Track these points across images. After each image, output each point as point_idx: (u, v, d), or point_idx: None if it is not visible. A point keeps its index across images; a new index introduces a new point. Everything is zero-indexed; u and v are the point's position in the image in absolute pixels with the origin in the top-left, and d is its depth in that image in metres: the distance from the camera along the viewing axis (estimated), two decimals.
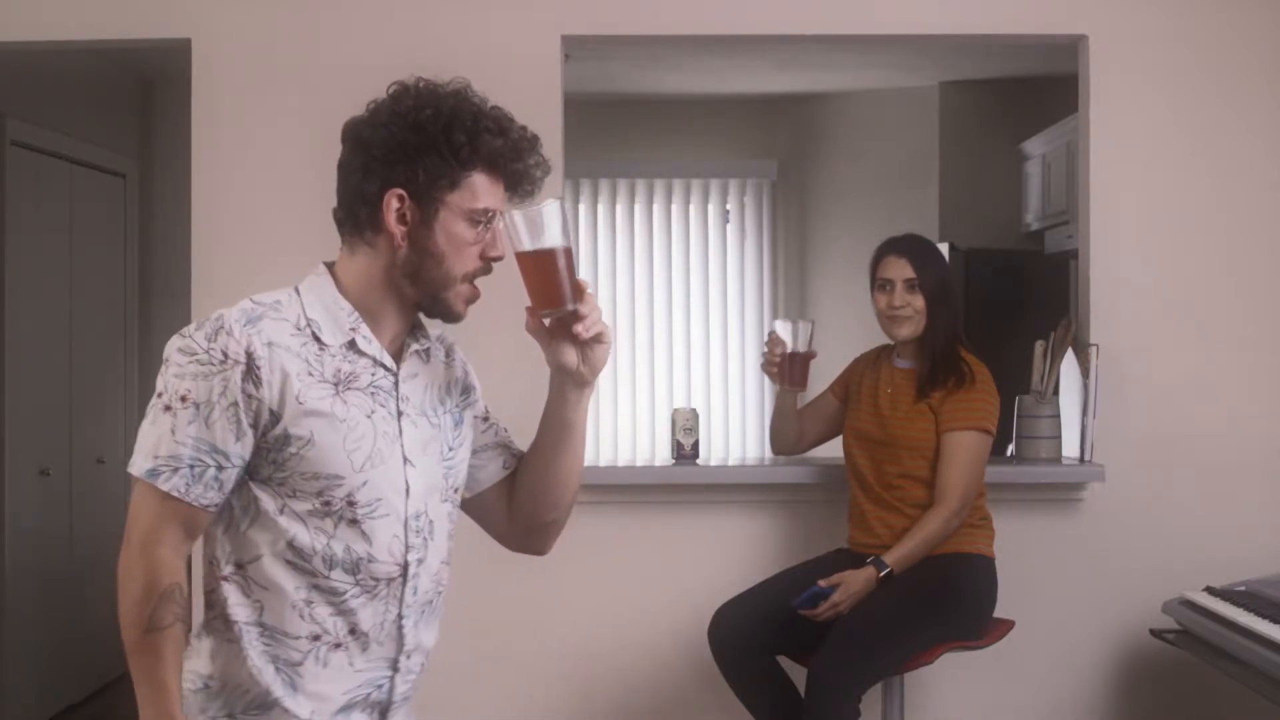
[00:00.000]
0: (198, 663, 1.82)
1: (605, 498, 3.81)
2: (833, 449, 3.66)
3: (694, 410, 3.85)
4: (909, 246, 3.39)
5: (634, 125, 6.97)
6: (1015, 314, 5.11)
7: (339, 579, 1.80)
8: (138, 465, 1.74)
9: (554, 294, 1.88)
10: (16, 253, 4.86)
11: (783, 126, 6.98)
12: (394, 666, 1.87)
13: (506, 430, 2.10)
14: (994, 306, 5.41)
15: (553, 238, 1.84)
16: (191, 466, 1.72)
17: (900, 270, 3.34)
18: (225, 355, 1.73)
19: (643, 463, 4.61)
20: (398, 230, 1.81)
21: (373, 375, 1.84)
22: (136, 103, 5.91)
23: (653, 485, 3.83)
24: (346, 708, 1.83)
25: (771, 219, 7.06)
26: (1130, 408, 3.75)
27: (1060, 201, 5.57)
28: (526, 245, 1.83)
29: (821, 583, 3.18)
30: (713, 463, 3.85)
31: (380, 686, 1.86)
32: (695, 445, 3.80)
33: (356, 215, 1.83)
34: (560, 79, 3.82)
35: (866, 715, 3.11)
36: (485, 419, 2.06)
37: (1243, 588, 3.19)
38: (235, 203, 3.81)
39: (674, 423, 3.82)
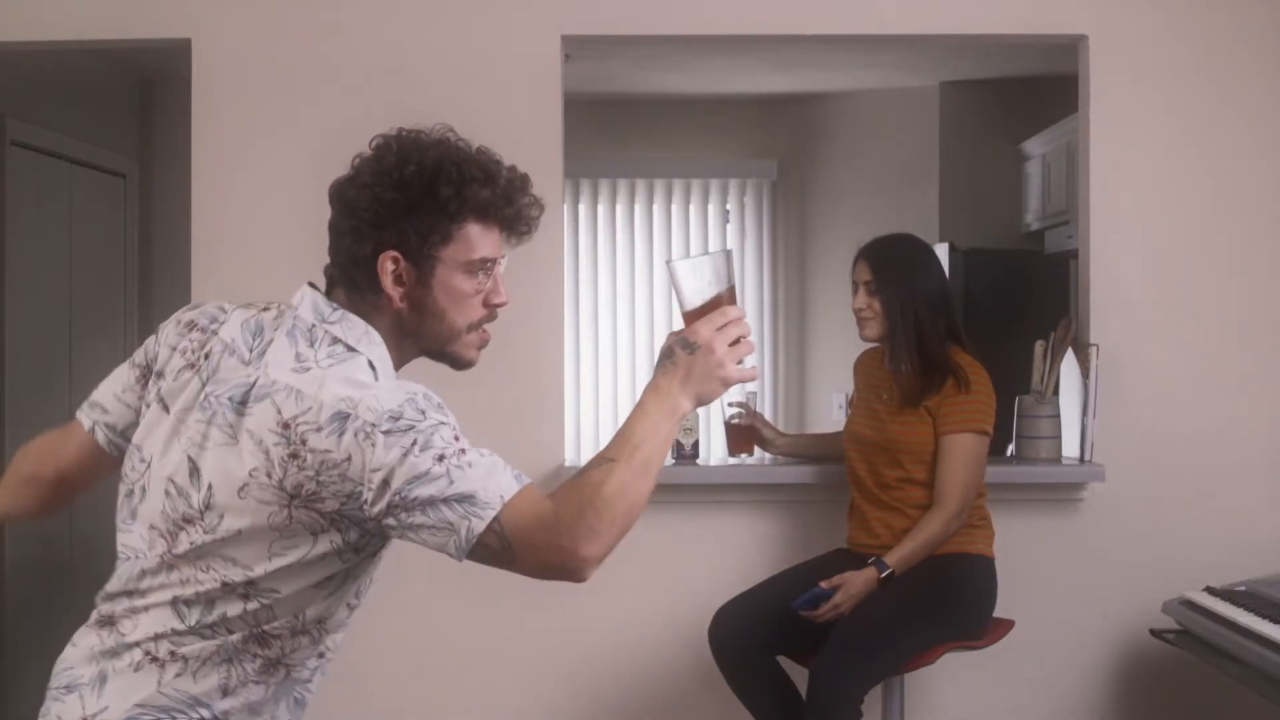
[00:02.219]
0: (199, 689, 1.74)
1: None
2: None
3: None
4: (872, 250, 3.41)
5: (634, 125, 6.96)
6: (1015, 314, 5.11)
7: (320, 640, 1.85)
8: (507, 489, 1.64)
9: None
10: (16, 253, 4.86)
11: (783, 126, 6.98)
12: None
13: None
14: (994, 306, 5.41)
15: (711, 287, 1.81)
16: (509, 463, 1.70)
17: (861, 273, 3.39)
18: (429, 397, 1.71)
19: None
20: (395, 292, 1.77)
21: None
22: (136, 103, 5.90)
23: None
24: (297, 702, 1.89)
25: (771, 219, 7.06)
26: (1130, 408, 3.75)
27: (1060, 201, 5.56)
28: (690, 304, 1.81)
29: (823, 584, 3.19)
30: (713, 463, 3.85)
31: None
32: (695, 445, 3.80)
33: (354, 278, 1.79)
34: (560, 79, 3.82)
35: (867, 715, 3.11)
36: None
37: (1243, 588, 3.19)
38: (235, 203, 3.81)
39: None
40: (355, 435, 1.63)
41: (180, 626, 1.73)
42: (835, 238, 6.80)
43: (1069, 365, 3.79)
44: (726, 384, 1.75)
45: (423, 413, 1.65)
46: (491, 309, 1.86)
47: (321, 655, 1.85)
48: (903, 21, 3.87)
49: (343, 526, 1.69)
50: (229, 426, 1.70)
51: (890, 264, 3.38)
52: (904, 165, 6.53)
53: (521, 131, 3.79)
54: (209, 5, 3.81)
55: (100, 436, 1.98)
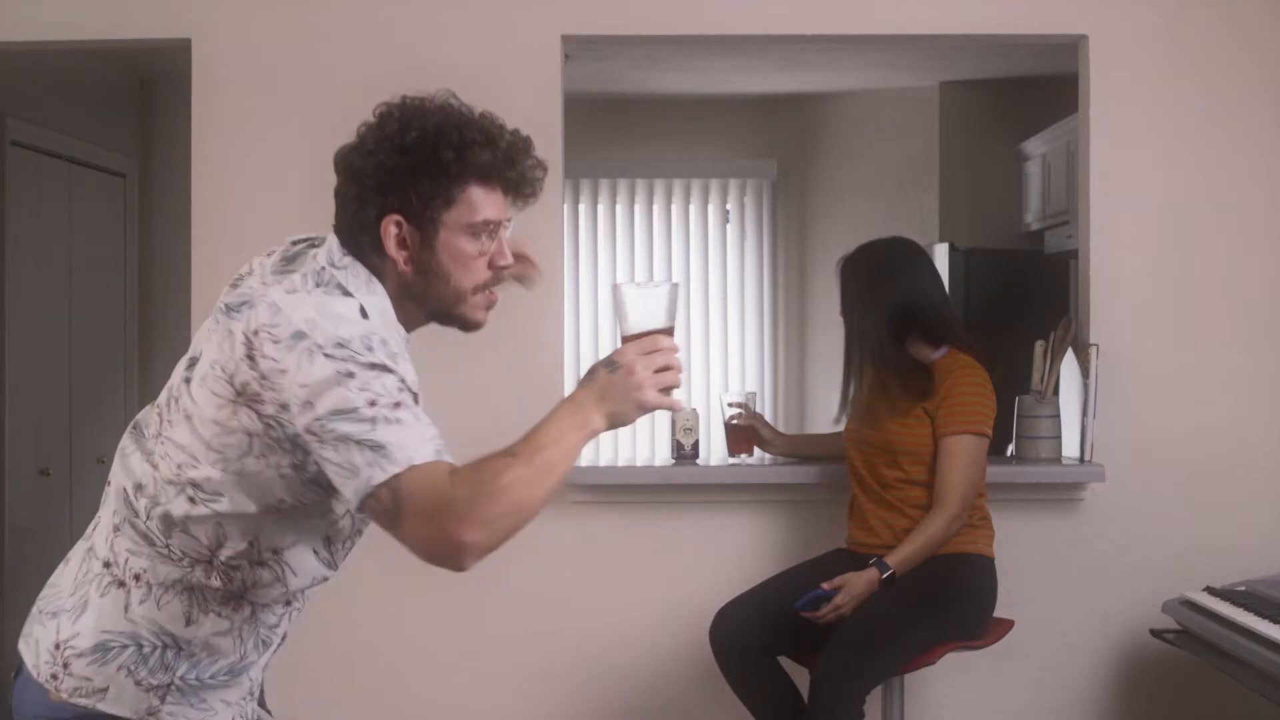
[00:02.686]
0: (163, 617, 1.78)
1: (605, 498, 3.81)
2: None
3: (694, 410, 3.85)
4: (840, 265, 3.43)
5: (634, 125, 6.97)
6: (1015, 314, 5.10)
7: (296, 592, 1.87)
8: (420, 453, 1.64)
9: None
10: (16, 253, 4.86)
11: (783, 126, 6.98)
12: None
13: None
14: (994, 306, 5.41)
15: (655, 319, 1.81)
16: (438, 435, 1.70)
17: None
18: (385, 341, 1.73)
19: (643, 463, 4.60)
20: (400, 255, 1.80)
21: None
22: (136, 103, 5.91)
23: (653, 485, 3.82)
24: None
25: (771, 219, 7.06)
26: (1130, 408, 3.75)
27: (1060, 201, 5.56)
28: (631, 330, 1.81)
29: (824, 585, 3.19)
30: (713, 463, 3.85)
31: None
32: (695, 445, 3.80)
33: (360, 244, 1.82)
34: (560, 79, 3.82)
35: (867, 715, 3.11)
36: None
37: (1243, 588, 3.19)
38: (235, 203, 3.81)
39: (674, 423, 3.82)
40: (301, 351, 1.67)
41: (137, 524, 1.78)
42: (835, 238, 6.80)
43: (1069, 365, 3.79)
44: (642, 408, 1.73)
45: (370, 349, 1.68)
46: (497, 271, 1.87)
47: (288, 603, 1.88)
48: (903, 21, 3.87)
49: (277, 436, 1.71)
50: (223, 324, 1.77)
51: (852, 276, 3.39)
52: (904, 165, 6.53)
53: (521, 131, 3.78)
54: (209, 5, 3.81)
55: None
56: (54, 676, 1.78)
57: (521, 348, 3.76)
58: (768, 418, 3.94)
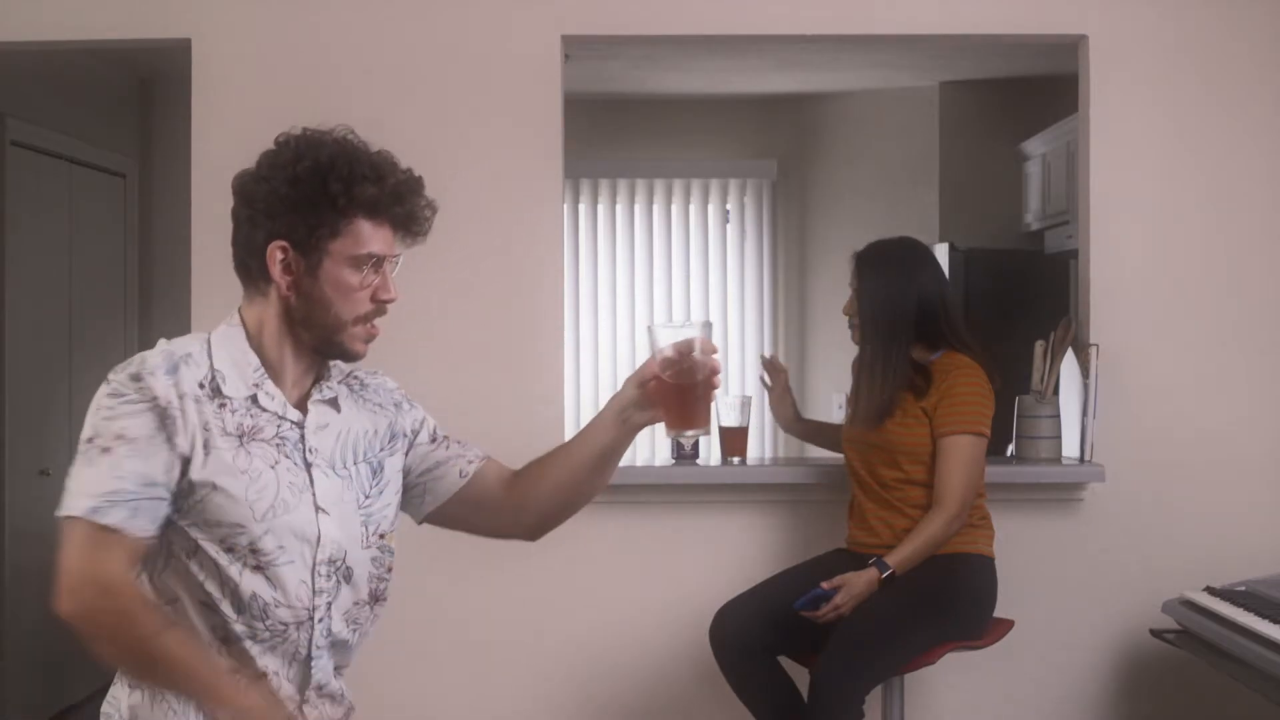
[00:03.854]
0: (122, 696, 1.86)
1: (606, 497, 3.77)
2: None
3: None
4: (863, 255, 3.41)
5: (634, 125, 6.97)
6: (1015, 314, 5.11)
7: (248, 623, 1.83)
8: (77, 505, 1.73)
9: (694, 418, 1.92)
10: (16, 253, 4.86)
11: (783, 126, 6.98)
12: (301, 699, 1.90)
13: (461, 443, 2.14)
14: (994, 306, 5.41)
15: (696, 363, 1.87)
16: (131, 501, 1.74)
17: (852, 278, 3.41)
18: (154, 395, 1.79)
19: (643, 463, 4.61)
20: (283, 280, 1.85)
21: (278, 428, 1.88)
22: (136, 103, 5.91)
23: (653, 485, 3.82)
24: None
25: (771, 219, 7.06)
26: (1130, 408, 3.75)
27: (1060, 201, 5.56)
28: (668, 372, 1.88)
29: (824, 584, 3.19)
30: (713, 463, 3.85)
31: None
32: (695, 445, 3.80)
33: (248, 266, 1.89)
34: (560, 79, 3.82)
35: (866, 715, 3.11)
36: (433, 440, 2.11)
37: (1243, 588, 3.19)
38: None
39: None
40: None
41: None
42: (835, 238, 6.80)
43: (1069, 365, 3.79)
44: None
45: (119, 387, 1.80)
46: (379, 304, 1.91)
47: (235, 673, 1.83)
48: (903, 21, 3.87)
49: None
50: None
51: (872, 275, 3.37)
52: (904, 165, 6.53)
53: (521, 131, 3.79)
54: (209, 5, 3.81)
55: None
56: None
57: (521, 348, 3.76)
58: (766, 417, 3.94)
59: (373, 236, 1.86)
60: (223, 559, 1.80)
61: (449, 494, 2.10)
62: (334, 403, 1.96)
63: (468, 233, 3.67)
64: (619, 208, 7.07)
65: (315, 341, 1.90)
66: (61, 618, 1.71)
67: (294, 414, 1.90)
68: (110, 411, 1.78)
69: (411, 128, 3.65)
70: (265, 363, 1.89)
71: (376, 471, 1.99)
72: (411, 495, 2.09)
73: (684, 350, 1.89)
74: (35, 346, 4.99)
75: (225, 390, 1.84)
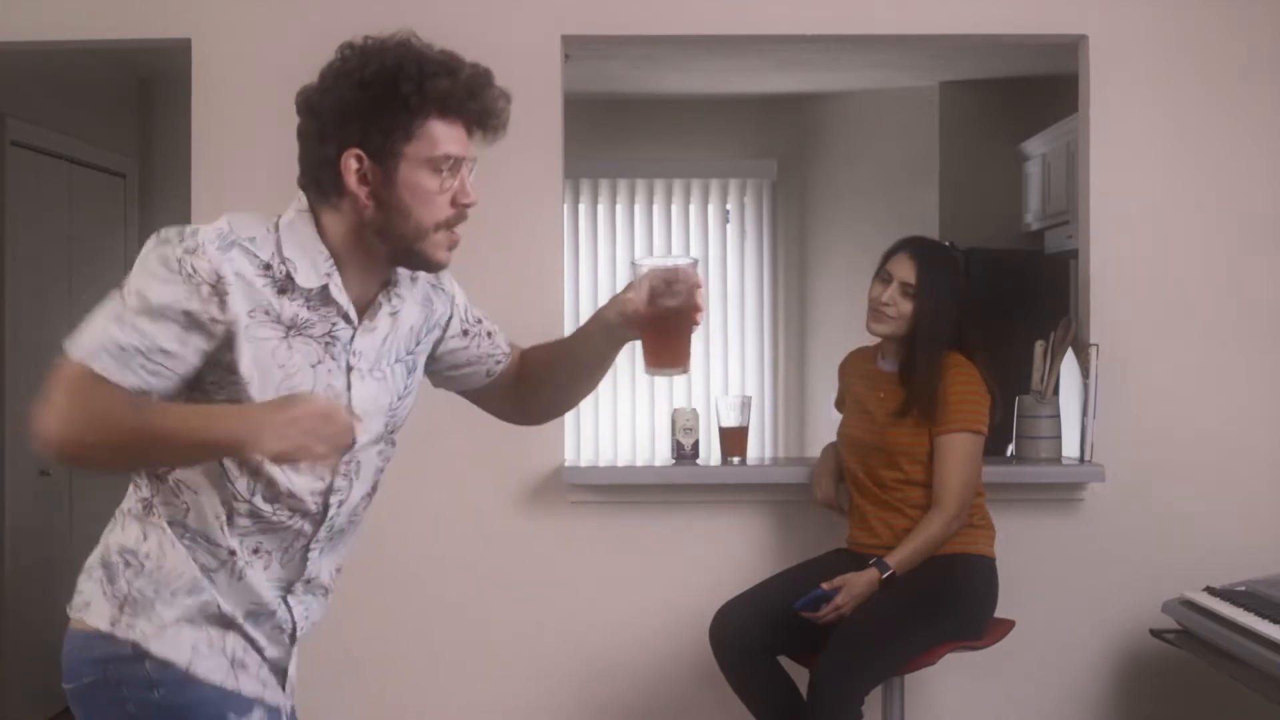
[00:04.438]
0: (125, 538, 1.84)
1: (605, 498, 3.81)
2: None
3: (694, 410, 3.85)
4: (923, 252, 3.35)
5: (634, 125, 6.97)
6: (1015, 314, 5.09)
7: (258, 504, 1.82)
8: (78, 347, 1.74)
9: (674, 355, 1.88)
10: (16, 253, 4.86)
11: (783, 126, 6.98)
12: (288, 589, 1.89)
13: (490, 335, 2.14)
14: (994, 306, 5.39)
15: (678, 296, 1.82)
16: (124, 351, 1.71)
17: (904, 271, 3.31)
18: (194, 271, 1.74)
19: (643, 463, 4.61)
20: (360, 191, 1.79)
21: (331, 325, 1.83)
22: (136, 103, 5.91)
23: (653, 485, 3.83)
24: (249, 615, 1.86)
25: (771, 219, 7.06)
26: (1130, 408, 3.75)
27: (1060, 201, 5.56)
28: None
29: (824, 585, 3.18)
30: (713, 463, 3.85)
31: (276, 612, 1.89)
32: (695, 445, 3.80)
33: (320, 181, 1.83)
34: (560, 79, 3.82)
35: (866, 715, 3.11)
36: (465, 333, 2.09)
37: (1243, 588, 3.19)
38: (235, 203, 3.79)
39: (674, 423, 3.82)
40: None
41: (132, 489, 1.89)
42: (835, 238, 6.81)
43: (1069, 365, 3.79)
44: (264, 451, 1.65)
45: (159, 250, 1.77)
46: (460, 209, 1.85)
47: (216, 546, 1.82)
48: (903, 21, 3.87)
49: None
50: None
51: (939, 272, 3.32)
52: (904, 165, 6.53)
53: (521, 131, 3.77)
54: (209, 5, 3.81)
55: None
56: (70, 603, 1.89)
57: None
58: (766, 417, 3.94)
59: (447, 136, 1.81)
60: None
61: (470, 388, 2.13)
62: (396, 312, 1.92)
63: (468, 233, 3.66)
64: (619, 208, 7.07)
65: (395, 252, 1.84)
66: (49, 447, 1.76)
67: (354, 315, 1.85)
68: (148, 271, 1.74)
69: None
70: (339, 262, 1.84)
71: (411, 371, 1.97)
72: (434, 374, 2.08)
73: (669, 279, 1.82)
74: (35, 346, 4.99)
75: (297, 279, 1.80)
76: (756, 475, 3.83)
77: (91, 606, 1.83)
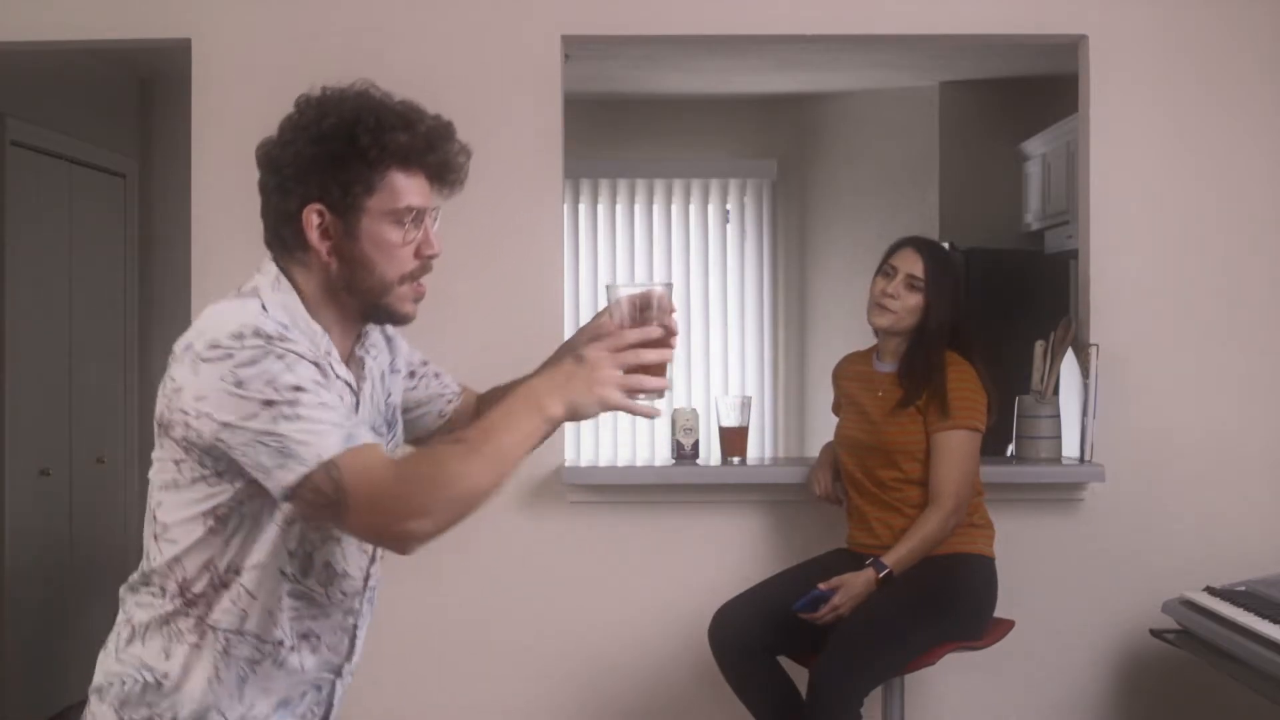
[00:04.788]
0: (146, 654, 1.77)
1: (605, 498, 3.81)
2: None
3: (694, 410, 3.85)
4: (929, 249, 3.38)
5: (634, 125, 6.97)
6: (1015, 314, 5.10)
7: (313, 588, 1.81)
8: (326, 449, 1.61)
9: (653, 379, 1.83)
10: (16, 253, 4.86)
11: (783, 126, 6.98)
12: (338, 672, 1.89)
13: (438, 375, 2.12)
14: (994, 306, 5.40)
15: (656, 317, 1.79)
16: (346, 419, 1.67)
17: (910, 264, 3.33)
18: (300, 351, 1.69)
19: (643, 463, 4.60)
20: (323, 246, 1.77)
21: (341, 397, 1.80)
22: (136, 103, 5.91)
23: (653, 485, 3.83)
24: (283, 703, 1.84)
25: (771, 219, 7.07)
26: (1130, 408, 3.75)
27: (1060, 201, 5.57)
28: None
29: (822, 585, 3.18)
30: (713, 463, 3.85)
31: (320, 689, 1.88)
32: (695, 445, 3.80)
33: (283, 237, 1.79)
34: (560, 79, 3.82)
35: (866, 715, 3.11)
36: (411, 374, 2.07)
37: (1243, 588, 3.19)
38: (235, 203, 3.79)
39: (674, 423, 3.82)
40: (189, 364, 1.67)
41: (132, 582, 1.81)
42: (835, 238, 6.81)
43: (1069, 365, 3.79)
44: (603, 404, 1.68)
45: (248, 347, 1.64)
46: (424, 260, 1.83)
47: (276, 643, 1.79)
48: (903, 21, 3.87)
49: (195, 455, 1.70)
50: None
51: (945, 268, 3.35)
52: (904, 165, 6.53)
53: (521, 131, 3.79)
54: (209, 5, 3.81)
55: None
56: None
57: (521, 348, 3.74)
58: (766, 417, 3.94)
59: (409, 188, 1.78)
60: (287, 516, 1.76)
61: (423, 430, 2.10)
62: (363, 363, 1.90)
63: (468, 233, 3.67)
64: (619, 208, 7.07)
65: (362, 306, 1.82)
66: (413, 538, 1.62)
67: (353, 380, 1.83)
68: (267, 373, 1.63)
69: None
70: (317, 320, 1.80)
71: (392, 424, 1.97)
72: None
73: (641, 305, 1.78)
74: (35, 346, 4.99)
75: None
76: (756, 475, 3.83)
77: None
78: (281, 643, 1.80)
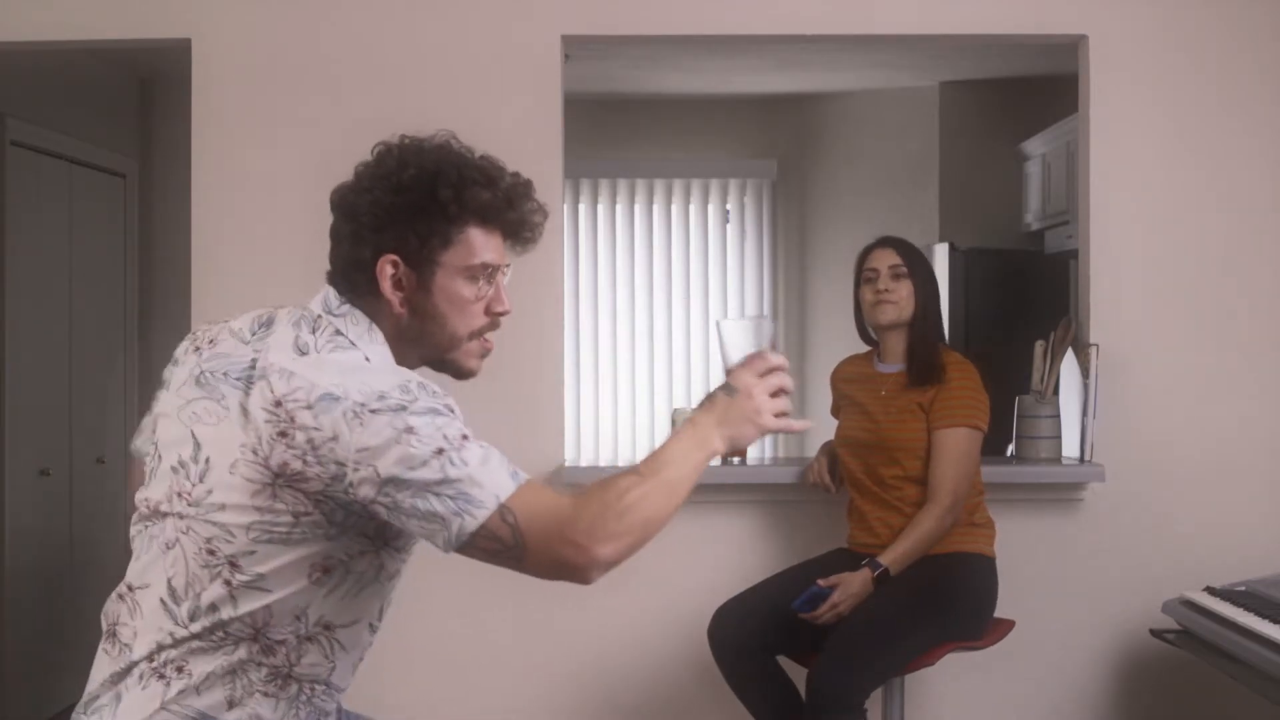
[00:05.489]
0: (205, 703, 1.70)
1: None
2: None
3: (694, 410, 3.84)
4: (895, 241, 3.46)
5: (634, 125, 6.97)
6: (1015, 314, 5.10)
7: (358, 634, 1.83)
8: (502, 489, 1.62)
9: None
10: (16, 253, 4.86)
11: (783, 126, 6.98)
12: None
13: None
14: (994, 306, 5.41)
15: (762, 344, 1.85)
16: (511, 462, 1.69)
17: (886, 259, 3.40)
18: (450, 403, 1.71)
19: None
20: (395, 297, 1.77)
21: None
22: (136, 103, 5.91)
23: None
24: None
25: (771, 219, 7.07)
26: (1130, 408, 3.75)
27: (1060, 201, 5.56)
28: (732, 361, 1.84)
29: (820, 582, 3.18)
30: (713, 463, 3.84)
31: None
32: None
33: (354, 283, 1.78)
34: (560, 79, 3.82)
35: (867, 715, 3.10)
36: None
37: (1243, 588, 3.19)
38: (235, 203, 3.81)
39: (674, 423, 3.83)
40: (344, 414, 1.61)
41: (178, 631, 1.69)
42: (835, 238, 6.80)
43: (1069, 365, 3.79)
44: (762, 431, 1.76)
45: (414, 398, 1.64)
46: (494, 317, 1.84)
47: (336, 690, 1.81)
48: (903, 21, 3.87)
49: (327, 509, 1.66)
50: (224, 401, 1.70)
51: (917, 254, 3.44)
52: (904, 165, 6.53)
53: (521, 131, 3.79)
54: (209, 5, 3.81)
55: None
56: None
57: (521, 348, 3.76)
58: None
59: (485, 245, 1.79)
60: (389, 572, 1.80)
61: None
62: None
63: None
64: (619, 208, 7.07)
65: (426, 358, 1.82)
66: (599, 564, 1.64)
67: None
68: (431, 417, 1.64)
69: (411, 127, 3.62)
70: None
71: None
72: None
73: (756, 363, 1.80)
74: (35, 346, 4.99)
75: None
76: (756, 475, 3.84)
77: None
78: (343, 690, 1.82)
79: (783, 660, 3.32)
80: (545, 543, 1.62)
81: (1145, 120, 3.79)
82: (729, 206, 7.06)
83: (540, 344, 3.80)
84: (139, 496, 1.81)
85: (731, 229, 7.06)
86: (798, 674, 3.26)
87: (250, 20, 3.81)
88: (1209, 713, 3.73)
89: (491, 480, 1.62)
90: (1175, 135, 3.79)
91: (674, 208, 7.06)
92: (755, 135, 7.02)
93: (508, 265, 1.85)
